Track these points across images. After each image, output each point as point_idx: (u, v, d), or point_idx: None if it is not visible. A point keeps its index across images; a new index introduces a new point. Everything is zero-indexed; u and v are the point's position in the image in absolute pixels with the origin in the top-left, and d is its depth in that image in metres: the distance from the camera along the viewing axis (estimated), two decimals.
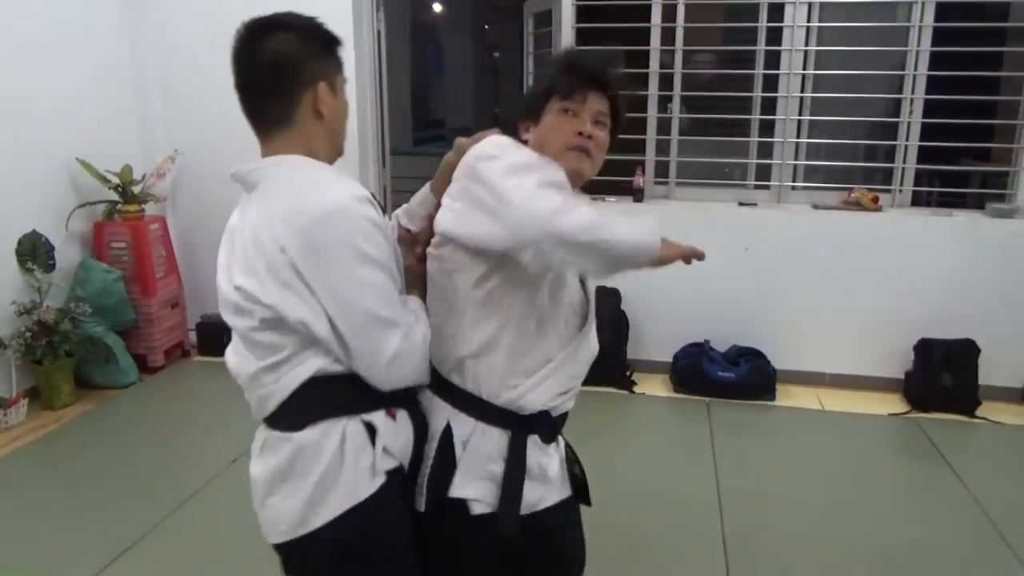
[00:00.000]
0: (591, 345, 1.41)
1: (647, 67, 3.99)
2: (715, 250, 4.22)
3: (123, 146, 4.10)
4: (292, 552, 1.28)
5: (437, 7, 9.92)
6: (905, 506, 2.87)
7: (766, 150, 4.01)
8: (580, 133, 1.32)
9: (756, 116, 3.97)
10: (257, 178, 1.29)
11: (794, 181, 4.02)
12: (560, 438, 1.48)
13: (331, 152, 1.35)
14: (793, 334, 3.95)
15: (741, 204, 3.98)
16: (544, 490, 1.38)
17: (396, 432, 1.30)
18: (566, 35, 4.00)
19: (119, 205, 3.97)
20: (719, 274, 3.95)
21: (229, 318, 1.28)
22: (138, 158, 4.12)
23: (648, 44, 3.94)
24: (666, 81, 4.00)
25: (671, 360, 3.98)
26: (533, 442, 1.36)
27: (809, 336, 3.95)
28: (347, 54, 4.47)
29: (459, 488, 1.32)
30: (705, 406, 3.71)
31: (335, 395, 1.25)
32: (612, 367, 3.92)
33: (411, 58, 8.63)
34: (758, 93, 3.94)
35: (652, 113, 4.04)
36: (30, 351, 3.47)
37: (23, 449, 3.26)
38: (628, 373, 3.97)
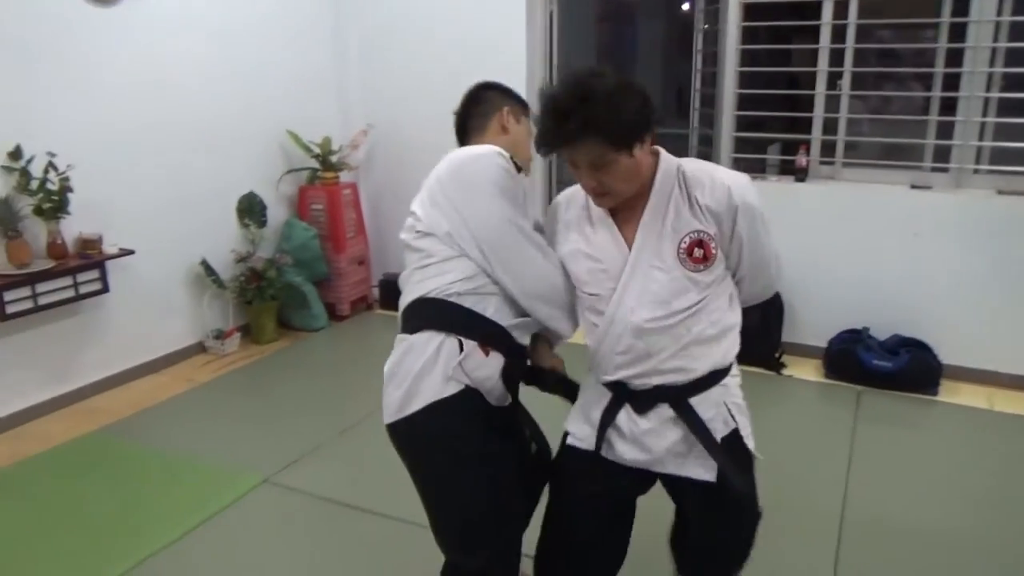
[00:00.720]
0: (623, 315, 1.48)
1: (817, 42, 3.87)
2: (881, 234, 4.02)
3: (325, 120, 4.68)
4: (397, 431, 1.61)
5: None
6: None
7: (947, 130, 3.74)
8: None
9: (937, 93, 3.71)
10: None
11: (977, 163, 3.72)
12: (702, 426, 1.51)
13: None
14: (965, 328, 3.68)
15: (913, 187, 3.76)
16: (646, 456, 1.54)
17: (482, 363, 1.57)
18: (732, 11, 3.97)
19: (319, 172, 4.56)
20: (884, 259, 3.79)
21: (402, 236, 1.66)
22: (337, 131, 4.69)
23: (819, 19, 3.82)
24: (837, 57, 3.85)
25: (826, 346, 3.87)
26: (626, 410, 1.55)
27: (984, 331, 3.66)
28: (518, 36, 4.75)
29: (568, 421, 1.68)
30: (855, 394, 3.59)
31: (448, 315, 1.56)
32: (760, 347, 3.89)
33: (600, 41, 8.78)
34: (940, 69, 3.68)
35: (820, 90, 3.91)
36: (243, 293, 4.13)
37: (234, 373, 3.91)
38: (778, 355, 3.92)
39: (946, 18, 3.63)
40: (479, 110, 1.76)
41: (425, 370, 1.54)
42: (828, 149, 3.99)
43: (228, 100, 4.09)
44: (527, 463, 1.73)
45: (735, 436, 1.55)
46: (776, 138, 4.26)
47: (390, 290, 4.74)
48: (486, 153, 1.58)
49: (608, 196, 1.45)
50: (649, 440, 1.53)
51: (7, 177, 3.11)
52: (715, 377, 1.54)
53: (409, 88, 4.66)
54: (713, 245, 1.46)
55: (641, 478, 1.62)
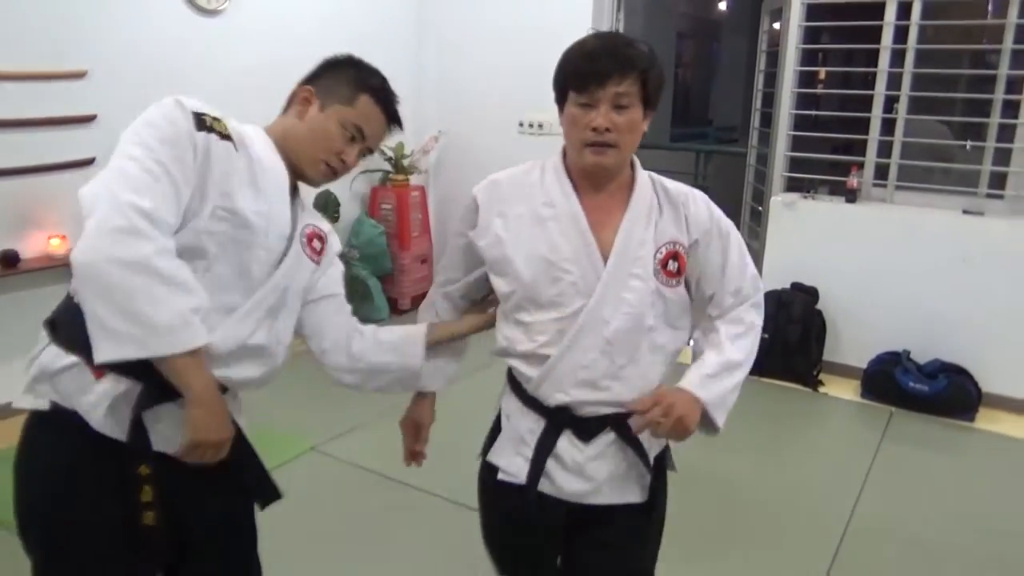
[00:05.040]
0: (596, 326, 1.36)
1: (875, 66, 3.91)
2: (930, 258, 4.06)
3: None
4: None
5: (723, 6, 10.00)
6: None
7: (1004, 157, 3.72)
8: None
9: (996, 120, 3.70)
10: None
11: None
12: (639, 445, 1.44)
13: (292, 164, 1.37)
14: (1010, 357, 3.65)
15: (966, 212, 3.74)
16: (587, 486, 1.42)
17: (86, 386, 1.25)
18: (793, 33, 4.06)
19: (390, 174, 4.89)
20: (931, 283, 3.80)
21: None
22: (409, 137, 5.01)
23: (878, 43, 3.86)
24: (894, 81, 3.88)
25: (865, 366, 3.89)
26: (567, 437, 1.42)
27: None
28: None
29: (495, 454, 1.50)
30: (888, 415, 3.62)
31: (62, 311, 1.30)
32: (798, 364, 3.94)
33: (680, 55, 8.89)
34: (999, 95, 3.66)
35: (877, 113, 3.95)
36: None
37: (298, 355, 4.25)
38: (815, 372, 3.96)
39: (1008, 44, 3.62)
40: (299, 86, 1.42)
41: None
42: (881, 172, 4.02)
43: None
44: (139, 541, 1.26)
45: (663, 454, 1.52)
46: (829, 159, 4.30)
47: None
48: (163, 102, 1.24)
49: (610, 150, 1.33)
50: (592, 467, 1.42)
51: None
52: None
53: (479, 99, 4.94)
54: (686, 259, 1.41)
55: (560, 521, 1.49)
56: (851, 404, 3.77)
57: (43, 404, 1.23)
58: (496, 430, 1.53)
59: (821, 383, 3.92)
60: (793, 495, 2.90)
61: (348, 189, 4.81)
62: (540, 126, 4.72)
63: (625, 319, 1.37)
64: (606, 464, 1.43)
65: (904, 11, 3.79)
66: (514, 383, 1.49)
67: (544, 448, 1.42)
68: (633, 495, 1.45)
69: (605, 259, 1.37)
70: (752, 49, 9.59)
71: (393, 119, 1.45)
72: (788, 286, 4.06)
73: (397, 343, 1.55)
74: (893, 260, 3.87)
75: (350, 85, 1.38)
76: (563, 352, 1.37)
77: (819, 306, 4.00)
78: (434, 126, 5.07)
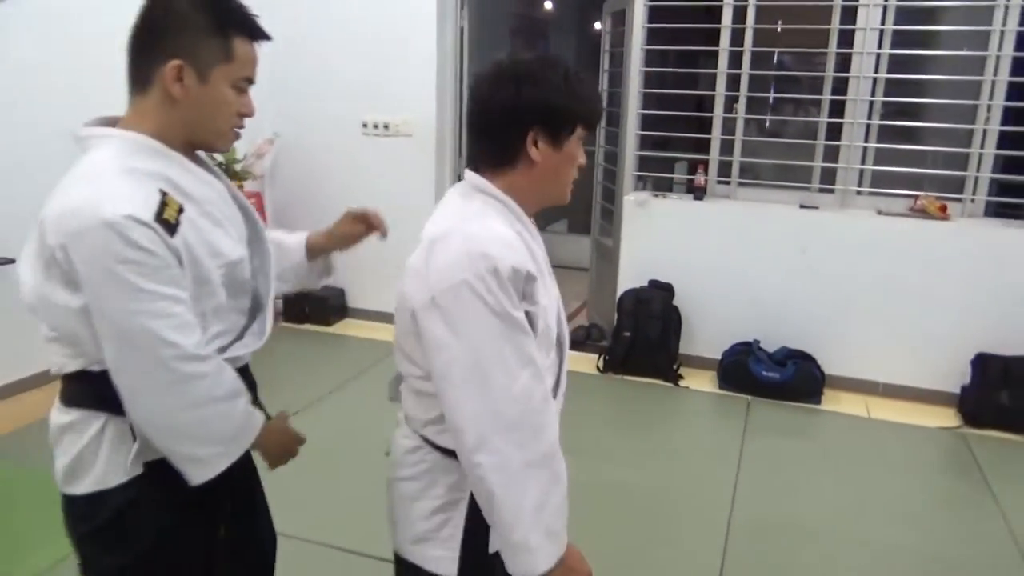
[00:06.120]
0: (565, 351, 1.36)
1: (715, 67, 4.05)
2: (772, 251, 4.25)
3: None
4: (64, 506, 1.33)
5: (548, 4, 10.15)
6: (927, 518, 2.85)
7: (833, 154, 3.98)
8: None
9: (824, 119, 3.94)
10: (84, 149, 1.22)
11: (860, 186, 3.97)
12: None
13: (196, 144, 1.28)
14: (847, 340, 3.91)
15: (802, 206, 3.97)
16: None
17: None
18: (637, 35, 4.11)
19: None
20: (774, 275, 3.98)
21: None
22: (242, 139, 4.57)
23: (717, 45, 4.00)
24: (733, 81, 4.04)
25: (720, 358, 4.03)
26: None
27: (864, 343, 3.90)
28: (429, 50, 4.71)
29: (496, 544, 1.27)
30: (746, 404, 3.76)
31: (103, 389, 1.18)
32: (659, 360, 4.02)
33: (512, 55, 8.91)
34: (827, 96, 3.91)
35: (718, 113, 4.09)
36: None
37: None
38: (675, 367, 4.06)
39: (833, 48, 3.86)
40: (142, 54, 1.19)
41: (87, 456, 1.24)
42: (725, 169, 4.18)
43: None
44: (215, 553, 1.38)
45: None
46: (676, 158, 4.42)
47: (294, 302, 4.63)
48: (100, 228, 1.08)
49: None
50: None
51: None
52: None
53: (316, 99, 4.60)
54: None
55: None
56: (711, 396, 3.88)
57: (135, 468, 1.24)
58: (482, 524, 1.24)
59: (681, 376, 4.02)
60: (673, 494, 2.91)
61: None
62: (385, 127, 4.47)
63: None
64: None
65: (740, 15, 3.94)
66: None
67: None
68: None
69: None
70: (580, 48, 9.83)
71: (264, 38, 1.31)
72: (646, 283, 4.12)
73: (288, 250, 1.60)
74: (739, 253, 4.03)
75: (215, 34, 1.20)
76: (561, 380, 1.37)
77: (675, 301, 4.09)
78: (268, 128, 4.66)
